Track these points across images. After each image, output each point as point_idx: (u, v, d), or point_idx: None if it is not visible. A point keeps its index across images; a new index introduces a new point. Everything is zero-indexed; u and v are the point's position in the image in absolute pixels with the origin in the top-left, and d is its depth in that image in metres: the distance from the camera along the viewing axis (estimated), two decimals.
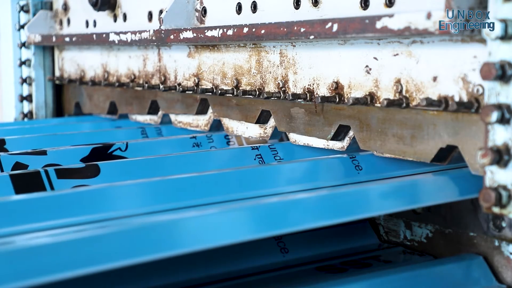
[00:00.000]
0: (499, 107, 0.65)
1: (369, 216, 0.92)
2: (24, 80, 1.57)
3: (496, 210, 0.67)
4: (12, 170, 0.96)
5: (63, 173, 0.87)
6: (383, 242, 0.97)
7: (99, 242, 0.60)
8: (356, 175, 0.87)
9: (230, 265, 0.87)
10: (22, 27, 1.57)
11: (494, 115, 0.65)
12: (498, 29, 0.64)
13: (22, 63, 1.58)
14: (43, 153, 1.01)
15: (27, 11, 1.56)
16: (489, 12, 0.66)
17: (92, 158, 1.04)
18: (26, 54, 1.58)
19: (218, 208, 0.69)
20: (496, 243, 0.76)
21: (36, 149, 1.03)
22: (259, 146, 1.01)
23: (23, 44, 1.57)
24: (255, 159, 0.99)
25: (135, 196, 0.77)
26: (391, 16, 0.75)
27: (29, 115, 1.59)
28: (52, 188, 0.85)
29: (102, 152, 1.06)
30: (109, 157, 1.05)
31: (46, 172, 0.86)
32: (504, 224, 0.75)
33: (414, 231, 0.85)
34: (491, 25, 0.65)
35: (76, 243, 0.59)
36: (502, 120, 0.66)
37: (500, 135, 0.66)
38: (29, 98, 1.58)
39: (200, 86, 1.14)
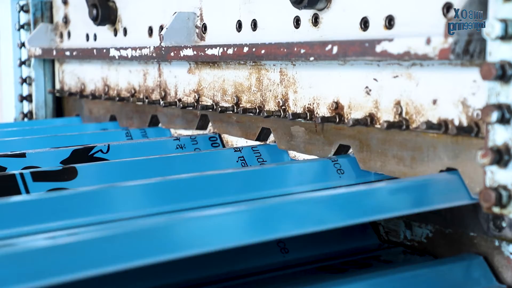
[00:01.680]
0: (499, 107, 0.65)
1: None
2: (24, 80, 1.57)
3: (496, 210, 0.66)
4: None
5: (39, 176, 0.86)
6: (383, 242, 0.97)
7: (97, 244, 0.59)
8: (337, 179, 0.87)
9: (230, 265, 0.87)
10: (22, 27, 1.57)
11: (494, 115, 0.65)
12: (498, 29, 0.64)
13: (22, 63, 1.58)
14: (22, 155, 1.00)
15: (27, 11, 1.56)
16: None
17: (72, 161, 1.02)
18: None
19: (212, 211, 0.68)
20: (496, 243, 0.76)
21: (15, 151, 1.02)
22: (242, 148, 1.01)
23: (22, 44, 1.57)
24: (237, 161, 0.99)
25: (135, 197, 0.77)
26: (390, 40, 0.75)
27: (29, 115, 1.58)
28: (27, 191, 0.84)
29: (83, 154, 1.04)
30: (91, 160, 1.04)
31: (22, 175, 0.85)
32: (504, 224, 0.75)
33: (414, 231, 0.85)
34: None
35: (76, 245, 0.58)
36: (502, 120, 0.65)
37: (500, 135, 0.66)
38: (29, 98, 1.58)
39: (200, 103, 1.14)
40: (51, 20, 1.56)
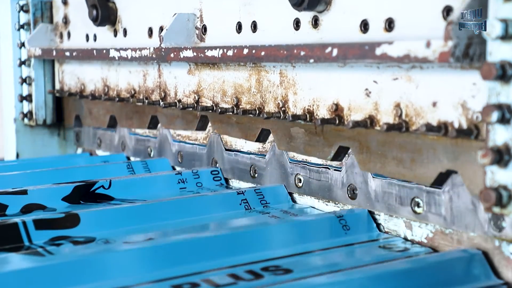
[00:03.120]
0: (499, 107, 0.65)
1: None
2: (24, 80, 1.57)
3: (496, 210, 0.67)
4: None
5: (42, 224, 0.86)
6: None
7: None
8: (344, 236, 0.87)
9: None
10: (22, 27, 1.57)
11: (495, 115, 0.65)
12: (498, 29, 0.64)
13: (22, 63, 1.58)
14: (24, 192, 1.00)
15: (26, 11, 1.56)
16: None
17: (74, 197, 1.03)
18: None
19: None
20: (497, 243, 0.76)
21: (16, 188, 1.02)
22: (245, 190, 1.01)
23: (22, 44, 1.57)
24: (240, 204, 1.00)
25: (129, 263, 0.75)
26: (390, 43, 0.75)
27: (28, 115, 1.58)
28: (29, 240, 0.84)
29: (85, 191, 1.05)
30: (92, 196, 1.04)
31: (24, 223, 0.85)
32: (504, 224, 0.75)
33: (414, 231, 0.85)
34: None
35: None
36: (503, 120, 0.65)
37: (501, 135, 0.66)
38: (28, 98, 1.58)
39: (200, 104, 1.14)
40: (51, 20, 1.56)
